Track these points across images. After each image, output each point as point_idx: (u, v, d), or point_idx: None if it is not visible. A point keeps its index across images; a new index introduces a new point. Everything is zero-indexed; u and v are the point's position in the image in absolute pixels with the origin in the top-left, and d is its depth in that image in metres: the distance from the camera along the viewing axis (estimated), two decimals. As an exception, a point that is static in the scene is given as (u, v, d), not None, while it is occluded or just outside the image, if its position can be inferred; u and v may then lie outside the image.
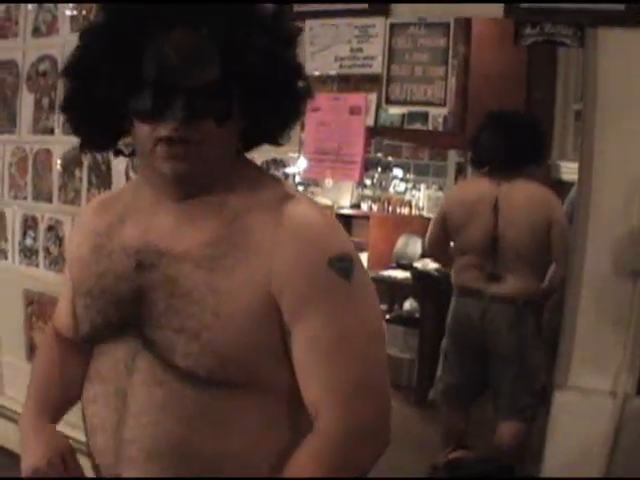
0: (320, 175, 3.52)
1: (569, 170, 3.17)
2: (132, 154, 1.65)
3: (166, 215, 1.59)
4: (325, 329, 1.49)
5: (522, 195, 3.29)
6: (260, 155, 3.44)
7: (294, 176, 3.41)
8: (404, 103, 3.29)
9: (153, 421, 1.51)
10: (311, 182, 3.65)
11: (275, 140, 1.67)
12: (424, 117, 3.41)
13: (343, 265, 1.50)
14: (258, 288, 1.48)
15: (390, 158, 3.99)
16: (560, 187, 3.31)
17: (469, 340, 3.43)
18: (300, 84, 1.60)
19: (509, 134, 3.26)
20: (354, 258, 1.54)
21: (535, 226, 3.23)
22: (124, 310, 1.57)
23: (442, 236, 3.52)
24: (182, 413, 1.50)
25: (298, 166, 3.39)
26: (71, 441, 1.78)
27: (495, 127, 3.31)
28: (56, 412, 1.82)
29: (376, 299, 1.62)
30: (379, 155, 3.95)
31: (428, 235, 3.58)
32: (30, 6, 4.39)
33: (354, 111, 3.30)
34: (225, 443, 1.52)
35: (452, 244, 3.52)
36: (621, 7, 2.68)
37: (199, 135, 1.47)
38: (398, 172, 3.99)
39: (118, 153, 1.68)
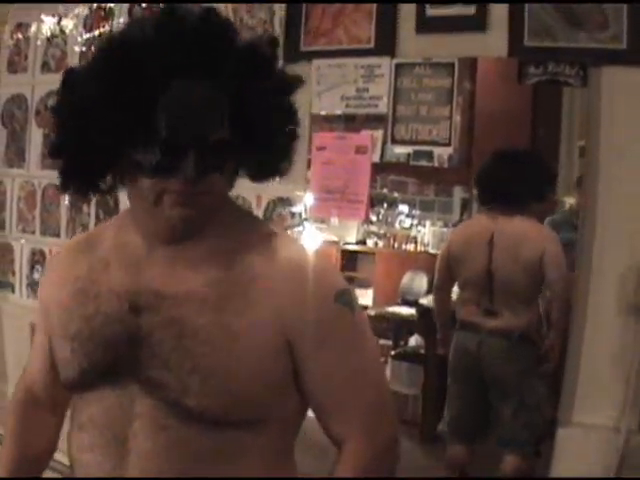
0: (326, 214, 3.54)
1: (573, 206, 3.21)
2: (110, 191, 1.60)
3: (160, 258, 1.57)
4: (342, 360, 1.56)
5: (516, 231, 3.30)
6: (266, 194, 3.48)
7: (300, 214, 3.43)
8: (409, 143, 3.32)
9: (158, 468, 1.50)
10: (317, 218, 3.67)
11: (261, 181, 1.67)
12: (429, 154, 3.45)
13: (346, 298, 1.57)
14: (269, 327, 1.51)
15: (396, 194, 4.00)
16: (564, 223, 3.33)
17: (468, 373, 3.44)
18: (290, 127, 1.62)
19: (513, 172, 3.29)
20: (351, 290, 1.62)
21: (528, 261, 3.23)
22: (116, 353, 1.53)
23: (447, 272, 3.54)
24: (188, 458, 1.50)
25: (304, 204, 3.41)
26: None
27: (499, 165, 3.34)
28: None
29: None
30: (385, 191, 3.96)
31: (436, 271, 3.61)
32: (39, 41, 4.44)
33: (360, 150, 3.32)
34: None
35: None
36: (623, 46, 2.72)
37: (207, 187, 1.47)
38: (404, 208, 4.00)
39: (97, 191, 1.61)
